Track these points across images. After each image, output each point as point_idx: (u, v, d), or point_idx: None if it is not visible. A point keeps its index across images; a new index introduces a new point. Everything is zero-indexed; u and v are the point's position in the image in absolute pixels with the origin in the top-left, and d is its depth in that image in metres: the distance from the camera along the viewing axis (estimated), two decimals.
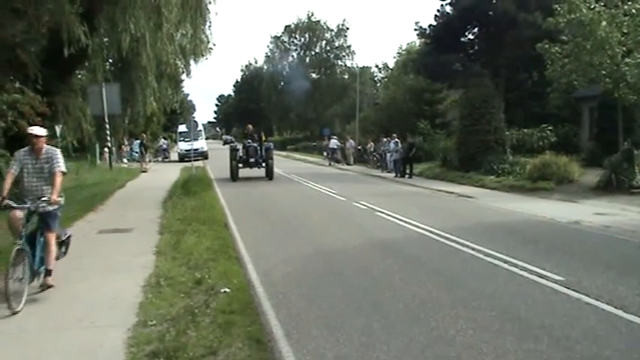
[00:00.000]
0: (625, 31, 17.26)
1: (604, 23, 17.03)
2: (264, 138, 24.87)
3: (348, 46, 68.54)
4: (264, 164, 23.67)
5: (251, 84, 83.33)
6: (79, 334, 5.42)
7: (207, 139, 55.92)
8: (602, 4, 17.65)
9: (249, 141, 24.00)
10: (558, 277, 7.16)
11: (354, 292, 6.70)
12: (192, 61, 23.54)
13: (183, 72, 26.45)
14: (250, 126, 25.88)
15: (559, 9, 18.43)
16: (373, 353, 4.86)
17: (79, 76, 22.21)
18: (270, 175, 23.44)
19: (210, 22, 20.91)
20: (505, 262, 8.15)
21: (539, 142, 23.79)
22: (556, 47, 18.87)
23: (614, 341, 5.09)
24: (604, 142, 21.48)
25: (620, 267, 7.95)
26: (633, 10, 17.10)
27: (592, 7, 17.54)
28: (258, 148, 23.72)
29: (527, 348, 4.93)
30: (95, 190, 18.62)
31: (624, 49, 17.32)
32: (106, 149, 32.98)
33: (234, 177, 23.00)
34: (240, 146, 24.52)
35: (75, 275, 7.60)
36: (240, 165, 23.44)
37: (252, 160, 23.52)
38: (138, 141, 43.64)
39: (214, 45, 22.72)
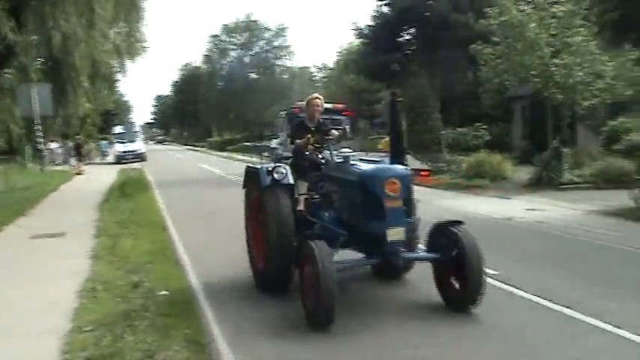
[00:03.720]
0: (553, 32, 17.97)
1: (533, 25, 17.69)
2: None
3: (287, 46, 68.54)
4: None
5: (189, 84, 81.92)
6: (12, 342, 5.25)
7: (144, 140, 54.82)
8: (532, 6, 18.32)
9: (344, 149, 6.77)
10: (492, 271, 7.35)
11: (299, 295, 6.68)
12: (128, 61, 22.93)
13: (118, 71, 25.81)
14: (319, 100, 7.06)
15: (491, 11, 19.05)
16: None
17: (7, 75, 21.25)
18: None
19: (144, 20, 20.51)
20: None
21: (474, 140, 24.52)
22: (488, 48, 19.43)
23: (543, 330, 5.34)
24: (535, 141, 22.25)
25: (550, 260, 8.27)
26: (559, 13, 17.83)
27: (522, 9, 18.19)
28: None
29: (459, 335, 5.14)
30: (26, 193, 17.90)
31: (552, 49, 18.01)
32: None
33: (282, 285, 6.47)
34: (285, 169, 6.45)
35: (6, 282, 7.34)
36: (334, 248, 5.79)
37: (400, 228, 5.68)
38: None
39: (151, 44, 22.08)
